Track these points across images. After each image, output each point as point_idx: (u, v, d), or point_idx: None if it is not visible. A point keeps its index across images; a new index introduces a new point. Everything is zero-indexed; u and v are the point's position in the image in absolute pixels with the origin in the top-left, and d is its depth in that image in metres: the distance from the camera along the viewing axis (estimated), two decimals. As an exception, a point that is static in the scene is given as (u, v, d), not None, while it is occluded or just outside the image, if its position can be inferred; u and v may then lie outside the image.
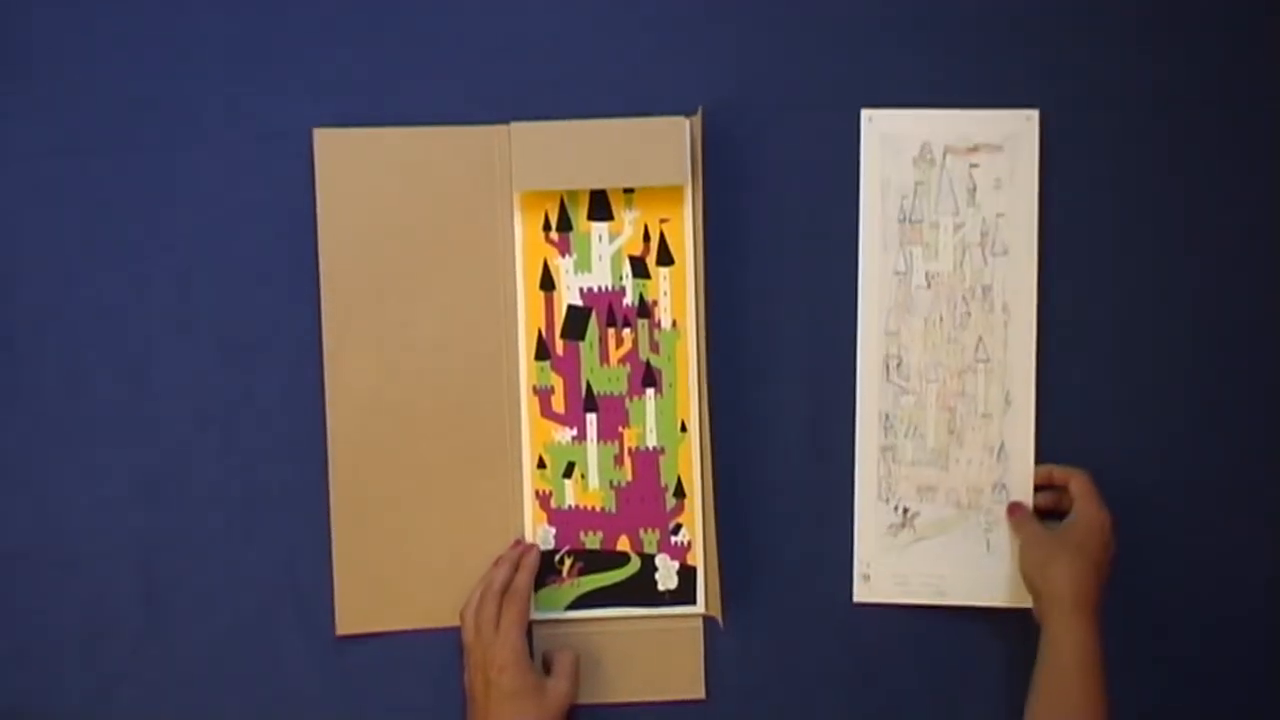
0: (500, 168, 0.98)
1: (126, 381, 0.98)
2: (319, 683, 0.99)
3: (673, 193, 0.99)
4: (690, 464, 0.99)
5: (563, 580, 1.00)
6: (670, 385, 0.99)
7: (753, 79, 1.00)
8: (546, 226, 0.99)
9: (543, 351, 0.99)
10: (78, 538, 0.98)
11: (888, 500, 1.01)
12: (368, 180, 0.98)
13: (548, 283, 0.99)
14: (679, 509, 1.00)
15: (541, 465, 1.00)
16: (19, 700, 0.98)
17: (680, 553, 0.99)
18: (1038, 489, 1.00)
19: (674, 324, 0.99)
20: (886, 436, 1.01)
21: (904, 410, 1.01)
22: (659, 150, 0.97)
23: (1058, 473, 0.99)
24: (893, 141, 1.00)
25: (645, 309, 0.99)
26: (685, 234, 0.99)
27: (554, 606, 1.00)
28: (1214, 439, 1.01)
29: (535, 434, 1.00)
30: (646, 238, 0.99)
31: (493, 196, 0.99)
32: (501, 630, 0.93)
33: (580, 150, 0.97)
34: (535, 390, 0.99)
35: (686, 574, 0.99)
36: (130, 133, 0.99)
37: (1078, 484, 0.97)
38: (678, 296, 0.99)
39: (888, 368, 1.01)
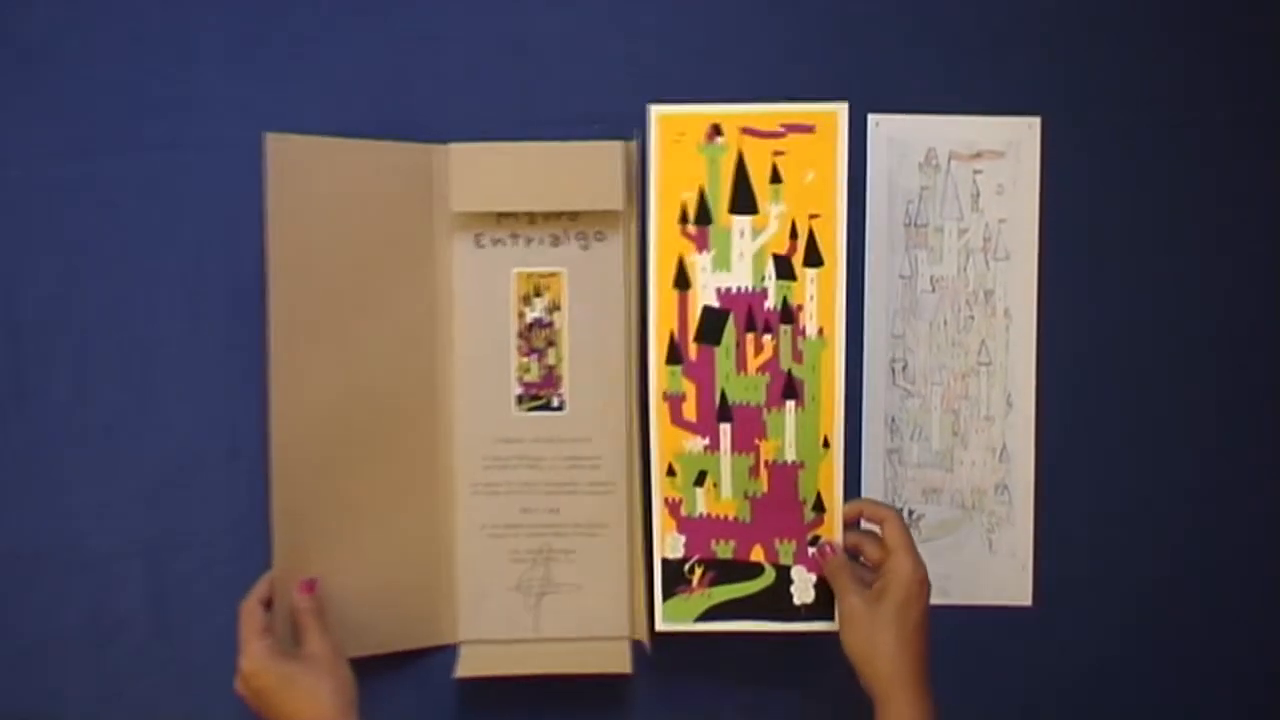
0: (439, 185, 0.94)
1: (133, 383, 0.99)
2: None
3: (826, 185, 0.89)
4: (832, 480, 0.92)
5: (692, 590, 0.94)
6: (813, 398, 0.91)
7: (760, 84, 0.98)
8: (684, 219, 0.90)
9: (674, 355, 0.92)
10: (85, 539, 0.99)
11: (894, 502, 1.00)
12: (315, 188, 0.92)
13: (682, 281, 0.91)
14: (818, 522, 0.93)
15: (671, 473, 0.93)
16: (26, 701, 0.99)
17: (818, 566, 0.94)
18: (847, 526, 0.94)
19: (820, 332, 0.91)
20: (892, 439, 1.00)
21: (909, 413, 1.00)
22: (596, 173, 0.92)
23: (869, 510, 0.93)
24: (899, 146, 0.98)
25: (789, 314, 0.91)
26: (838, 233, 0.89)
27: (684, 618, 0.94)
28: (1215, 439, 1.01)
29: (664, 441, 0.93)
30: (794, 235, 0.90)
31: (429, 213, 0.95)
32: (241, 651, 0.88)
33: (519, 172, 0.93)
34: (665, 396, 0.92)
35: (823, 588, 0.93)
36: (135, 134, 0.97)
37: (892, 532, 0.90)
38: (825, 301, 0.90)
39: (893, 371, 1.00)
